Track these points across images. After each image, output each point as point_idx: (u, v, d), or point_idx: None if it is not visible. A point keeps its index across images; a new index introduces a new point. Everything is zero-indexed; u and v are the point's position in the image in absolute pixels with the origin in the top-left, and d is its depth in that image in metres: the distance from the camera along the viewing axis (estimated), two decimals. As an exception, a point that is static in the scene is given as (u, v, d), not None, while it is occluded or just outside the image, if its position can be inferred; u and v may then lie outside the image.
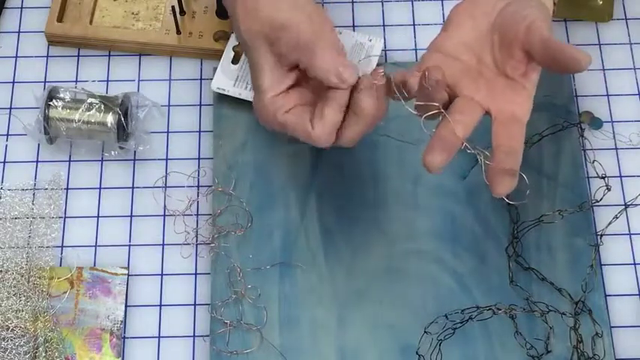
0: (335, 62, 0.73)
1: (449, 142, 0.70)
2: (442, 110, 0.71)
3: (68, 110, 0.85)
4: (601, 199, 0.84)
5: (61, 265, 0.83)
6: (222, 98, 0.88)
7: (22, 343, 0.79)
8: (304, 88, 0.77)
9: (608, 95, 0.90)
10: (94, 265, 0.83)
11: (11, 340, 0.79)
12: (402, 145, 0.86)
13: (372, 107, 0.74)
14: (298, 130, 0.75)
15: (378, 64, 0.89)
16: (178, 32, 0.92)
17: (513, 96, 0.72)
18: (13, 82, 0.92)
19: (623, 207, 0.85)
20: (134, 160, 0.88)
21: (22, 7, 0.96)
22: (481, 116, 0.72)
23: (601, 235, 0.83)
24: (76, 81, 0.91)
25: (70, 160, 0.88)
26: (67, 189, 0.87)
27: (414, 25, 0.94)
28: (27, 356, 0.79)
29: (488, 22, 0.74)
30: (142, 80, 0.91)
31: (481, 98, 0.73)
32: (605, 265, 0.83)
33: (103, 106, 0.85)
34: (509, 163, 0.70)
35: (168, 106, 0.90)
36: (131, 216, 0.85)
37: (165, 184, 0.86)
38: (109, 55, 0.93)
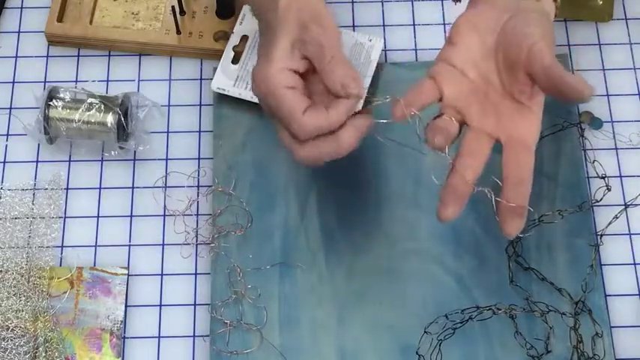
0: (346, 73, 0.73)
1: (460, 191, 0.71)
2: (451, 161, 0.71)
3: (68, 110, 0.85)
4: (601, 199, 0.84)
5: (61, 265, 0.83)
6: (222, 98, 0.88)
7: (22, 343, 0.79)
8: (307, 82, 0.76)
9: (608, 95, 0.90)
10: (94, 265, 0.83)
11: (11, 340, 0.79)
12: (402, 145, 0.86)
13: (352, 143, 0.74)
14: (289, 111, 0.73)
15: (378, 64, 0.89)
16: (178, 32, 0.92)
17: (522, 121, 0.72)
18: (13, 82, 0.92)
19: (623, 207, 0.85)
20: (134, 160, 0.88)
21: (22, 7, 0.96)
22: (491, 149, 0.72)
23: (601, 235, 0.83)
24: (76, 81, 0.91)
25: (70, 160, 0.88)
26: (67, 189, 0.87)
27: (414, 25, 0.94)
28: (27, 356, 0.79)
29: (493, 38, 0.73)
30: (142, 80, 0.91)
31: (490, 126, 0.72)
32: (605, 265, 0.83)
33: (103, 106, 0.85)
34: (518, 195, 0.70)
35: (169, 106, 0.90)
36: (131, 216, 0.85)
37: (165, 184, 0.86)
38: (109, 55, 0.93)
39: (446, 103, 0.73)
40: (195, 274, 0.83)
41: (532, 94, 0.71)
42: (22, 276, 0.82)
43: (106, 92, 0.91)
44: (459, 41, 0.74)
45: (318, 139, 0.73)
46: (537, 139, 0.72)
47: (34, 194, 0.86)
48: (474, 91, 0.73)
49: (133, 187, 0.87)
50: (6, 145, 0.89)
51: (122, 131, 0.85)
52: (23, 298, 0.81)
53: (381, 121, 0.75)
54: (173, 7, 0.90)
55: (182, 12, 0.93)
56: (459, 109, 0.73)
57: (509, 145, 0.72)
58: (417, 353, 0.78)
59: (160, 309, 0.82)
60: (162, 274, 0.83)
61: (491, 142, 0.73)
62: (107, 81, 0.91)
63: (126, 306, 0.82)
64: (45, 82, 0.92)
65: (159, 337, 0.81)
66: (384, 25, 0.94)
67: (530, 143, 0.72)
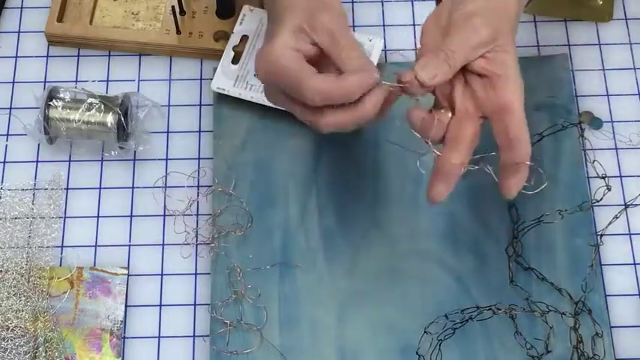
0: (361, 60, 0.73)
1: (447, 170, 0.71)
2: (435, 151, 0.72)
3: (68, 110, 0.85)
4: (601, 199, 0.84)
5: (61, 265, 0.83)
6: (222, 98, 0.88)
7: (22, 343, 0.79)
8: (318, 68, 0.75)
9: (608, 95, 0.90)
10: (94, 265, 0.83)
11: (11, 340, 0.79)
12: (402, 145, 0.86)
13: (372, 107, 0.73)
14: (297, 75, 0.71)
15: (378, 64, 0.89)
16: (178, 32, 0.92)
17: (494, 90, 0.71)
18: (13, 82, 0.92)
19: (623, 207, 0.85)
20: (134, 160, 0.88)
21: (22, 7, 0.96)
22: (479, 127, 0.72)
23: (601, 235, 0.83)
24: (76, 81, 0.91)
25: (70, 160, 0.88)
26: (67, 189, 0.87)
27: (414, 25, 0.94)
28: (27, 356, 0.79)
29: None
30: (142, 80, 0.91)
31: (472, 106, 0.72)
32: (605, 265, 0.83)
33: (103, 106, 0.85)
34: (516, 155, 0.70)
35: (169, 106, 0.90)
36: (131, 216, 0.85)
37: (165, 184, 0.86)
38: (109, 55, 0.93)
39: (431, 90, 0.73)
40: (195, 274, 0.83)
41: (492, 59, 0.71)
42: (22, 276, 0.82)
43: (106, 92, 0.91)
44: (424, 38, 0.74)
45: (338, 109, 0.72)
46: (519, 97, 0.71)
47: (34, 194, 0.86)
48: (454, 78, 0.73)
49: (133, 187, 0.87)
50: (6, 145, 0.89)
51: (122, 131, 0.85)
52: (23, 298, 0.81)
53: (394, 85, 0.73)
54: (173, 7, 0.90)
55: (182, 12, 0.93)
56: (448, 97, 0.73)
57: (494, 116, 0.71)
58: (417, 353, 0.78)
59: (160, 309, 0.82)
60: (162, 274, 0.83)
61: (477, 122, 0.72)
62: (107, 81, 0.91)
63: (126, 306, 0.82)
64: (45, 82, 0.92)
65: (159, 337, 0.81)
66: (384, 25, 0.94)
67: (513, 105, 0.71)
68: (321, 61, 0.74)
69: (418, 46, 0.75)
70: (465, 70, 0.72)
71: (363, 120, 0.72)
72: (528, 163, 0.71)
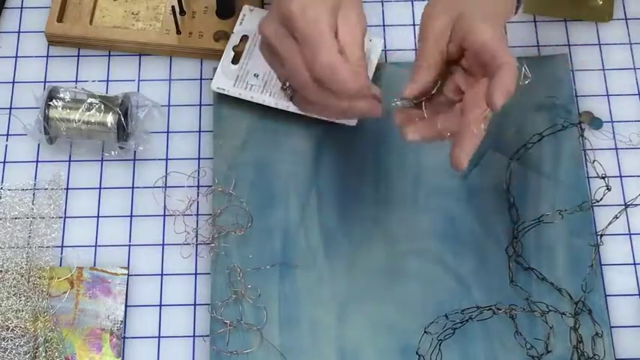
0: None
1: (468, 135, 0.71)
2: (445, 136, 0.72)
3: (68, 110, 0.85)
4: (601, 199, 0.84)
5: (61, 265, 0.83)
6: (222, 98, 0.88)
7: (22, 343, 0.79)
8: None
9: (608, 95, 0.90)
10: (94, 265, 0.83)
11: (11, 340, 0.79)
12: (402, 145, 0.86)
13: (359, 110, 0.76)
14: (320, 36, 0.72)
15: (378, 64, 0.89)
16: (178, 32, 0.92)
17: (469, 39, 0.71)
18: (13, 82, 0.92)
19: (623, 207, 0.85)
20: (134, 160, 0.88)
21: (22, 7, 0.96)
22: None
23: (601, 235, 0.83)
24: (76, 81, 0.91)
25: (70, 160, 0.88)
26: (67, 189, 0.87)
27: (414, 25, 0.94)
28: (27, 356, 0.79)
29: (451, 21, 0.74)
30: (142, 80, 0.91)
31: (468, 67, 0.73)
32: (605, 265, 0.82)
33: (103, 106, 0.85)
34: (507, 73, 0.69)
35: (169, 106, 0.90)
36: (131, 216, 0.85)
37: (165, 184, 0.86)
38: (109, 55, 0.93)
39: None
40: (195, 274, 0.83)
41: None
42: (22, 276, 0.82)
43: (106, 92, 0.91)
44: (428, 36, 0.74)
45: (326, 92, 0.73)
46: (498, 35, 0.71)
47: (34, 194, 0.86)
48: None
49: (133, 187, 0.87)
50: (6, 145, 0.89)
51: (122, 131, 0.85)
52: (23, 298, 0.81)
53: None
54: (173, 7, 0.90)
55: (182, 12, 0.93)
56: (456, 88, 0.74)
57: (478, 54, 0.71)
58: (417, 353, 0.78)
59: (160, 309, 0.82)
60: (162, 274, 0.83)
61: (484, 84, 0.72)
62: (107, 81, 0.91)
63: (126, 306, 0.82)
64: (45, 82, 0.92)
65: (159, 337, 0.81)
66: (384, 25, 0.94)
67: (484, 43, 0.70)
68: None
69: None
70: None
71: (336, 114, 0.75)
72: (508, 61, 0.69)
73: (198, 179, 0.87)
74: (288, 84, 0.76)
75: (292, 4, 0.72)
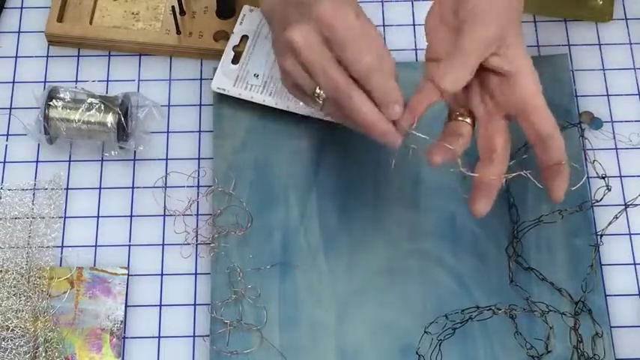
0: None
1: (487, 184, 0.72)
2: (464, 171, 0.72)
3: (68, 110, 0.85)
4: (601, 199, 0.84)
5: (61, 265, 0.83)
6: (222, 98, 0.88)
7: (22, 343, 0.79)
8: None
9: (608, 95, 0.90)
10: (94, 265, 0.83)
11: (11, 340, 0.79)
12: (402, 145, 0.85)
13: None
14: (380, 53, 0.71)
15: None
16: (178, 32, 0.92)
17: (512, 87, 0.72)
18: (13, 82, 0.92)
19: (623, 207, 0.85)
20: (134, 160, 0.88)
21: (22, 7, 0.96)
22: (506, 130, 0.73)
23: (601, 235, 0.83)
24: (76, 81, 0.91)
25: (70, 160, 0.88)
26: (67, 189, 0.87)
27: (414, 25, 0.94)
28: (27, 356, 0.79)
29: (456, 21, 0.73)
30: (142, 80, 0.91)
31: (492, 107, 0.73)
32: (605, 265, 0.83)
33: (103, 106, 0.85)
34: (555, 150, 0.70)
35: (169, 106, 0.90)
36: (131, 216, 0.85)
37: (165, 184, 0.86)
38: (109, 55, 0.93)
39: (448, 98, 0.73)
40: (195, 274, 0.83)
41: (504, 55, 0.71)
42: (22, 276, 0.82)
43: (106, 92, 0.91)
44: (432, 38, 0.75)
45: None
46: (540, 88, 0.72)
47: (34, 194, 0.86)
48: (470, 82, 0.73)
49: (133, 187, 0.87)
50: (6, 145, 0.89)
51: (122, 131, 0.85)
52: (23, 298, 0.81)
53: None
54: (173, 7, 0.90)
55: (182, 12, 0.93)
56: (463, 102, 0.73)
57: (518, 115, 0.72)
58: (417, 353, 0.78)
59: (160, 309, 0.82)
60: (162, 274, 0.83)
61: (503, 126, 0.73)
62: (107, 81, 0.92)
63: (126, 306, 0.82)
64: (45, 82, 0.92)
65: (159, 337, 0.81)
66: (384, 25, 0.94)
67: (534, 101, 0.71)
68: None
69: (425, 44, 0.76)
70: (479, 72, 0.72)
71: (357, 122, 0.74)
72: (564, 162, 0.71)
73: (198, 179, 0.87)
74: (319, 91, 0.74)
75: (322, 5, 0.71)
